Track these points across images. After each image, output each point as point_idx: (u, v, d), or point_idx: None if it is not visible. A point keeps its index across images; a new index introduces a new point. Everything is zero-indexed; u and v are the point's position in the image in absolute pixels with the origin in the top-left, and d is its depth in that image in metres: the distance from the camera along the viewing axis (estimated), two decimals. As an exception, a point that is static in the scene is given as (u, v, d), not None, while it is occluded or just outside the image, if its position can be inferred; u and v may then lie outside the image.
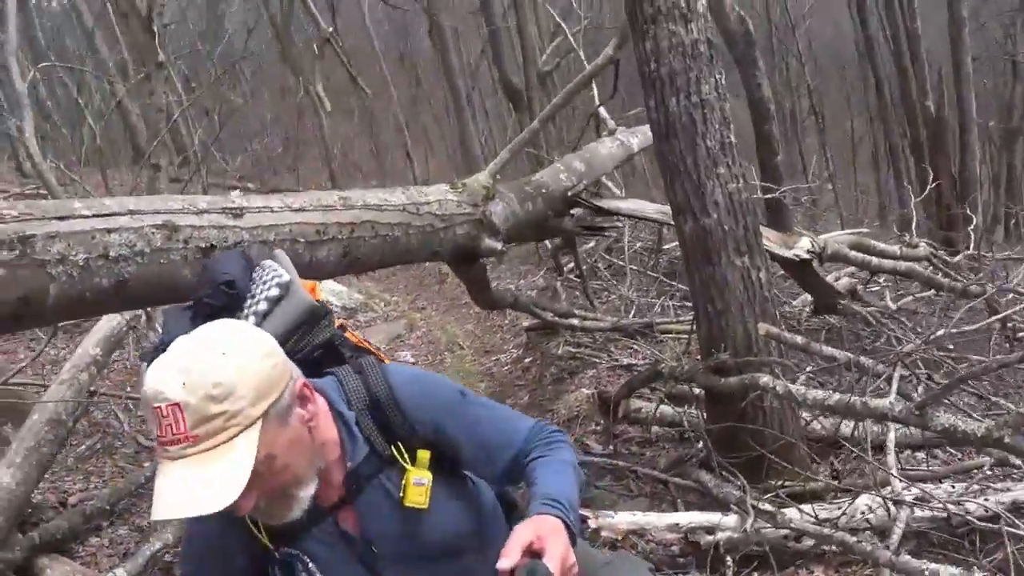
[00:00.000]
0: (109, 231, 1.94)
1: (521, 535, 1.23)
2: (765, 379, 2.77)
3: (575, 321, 5.29)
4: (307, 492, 1.29)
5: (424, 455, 1.39)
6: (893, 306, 5.26)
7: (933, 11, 14.65)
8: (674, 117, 3.10)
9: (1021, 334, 4.90)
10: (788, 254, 4.63)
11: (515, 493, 1.64)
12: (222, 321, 1.30)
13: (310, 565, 1.35)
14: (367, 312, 8.88)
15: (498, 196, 3.80)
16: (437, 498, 1.39)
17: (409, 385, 1.43)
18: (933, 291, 5.63)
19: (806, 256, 4.75)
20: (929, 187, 8.59)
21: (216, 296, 1.51)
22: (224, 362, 1.18)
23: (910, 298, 5.81)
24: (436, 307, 9.36)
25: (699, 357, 3.34)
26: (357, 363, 1.47)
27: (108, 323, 4.04)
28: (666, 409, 3.88)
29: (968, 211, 8.36)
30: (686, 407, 3.84)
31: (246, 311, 1.52)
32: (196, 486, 1.13)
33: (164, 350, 1.27)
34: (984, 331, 4.37)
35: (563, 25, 9.50)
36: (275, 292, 1.51)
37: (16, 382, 4.82)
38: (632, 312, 5.83)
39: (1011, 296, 5.04)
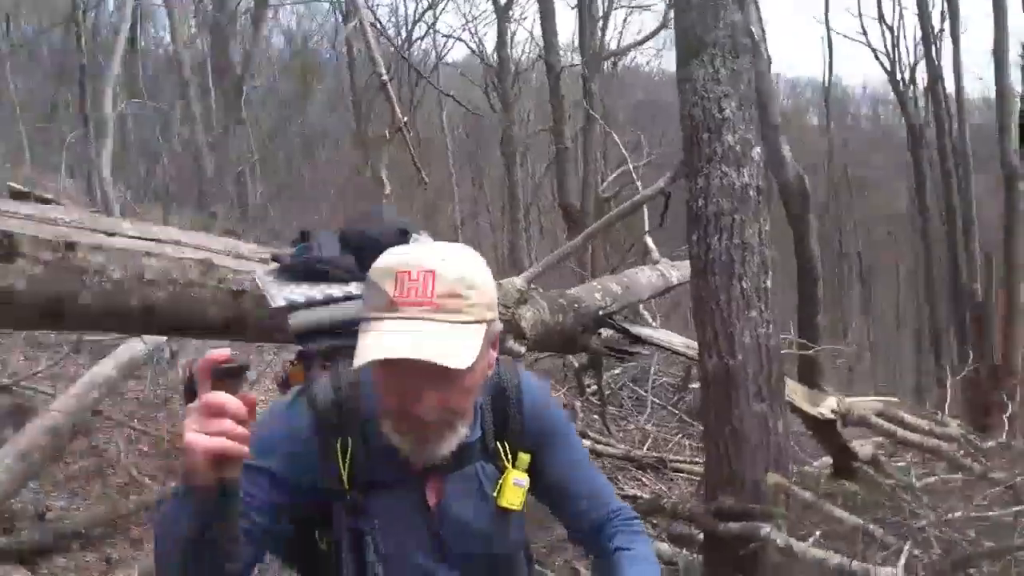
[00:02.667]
0: (150, 255, 2.03)
1: None
2: (766, 530, 2.69)
3: (587, 443, 5.23)
4: (463, 432, 1.28)
5: (525, 458, 1.38)
6: (917, 483, 5.10)
7: (990, 198, 14.79)
8: (715, 255, 3.16)
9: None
10: (812, 411, 4.57)
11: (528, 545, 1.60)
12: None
13: (375, 522, 1.30)
14: None
15: (530, 302, 3.85)
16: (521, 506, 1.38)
17: (536, 392, 1.43)
18: (960, 474, 5.47)
19: (830, 415, 4.69)
20: (967, 369, 8.46)
21: (387, 238, 1.48)
22: (471, 262, 1.22)
23: (935, 478, 5.64)
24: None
25: (705, 498, 3.28)
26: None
27: (130, 348, 4.11)
28: (663, 547, 3.77)
29: (1005, 399, 8.17)
30: (684, 549, 3.73)
31: None
32: (435, 341, 1.13)
33: (320, 261, 1.42)
34: (1009, 519, 4.20)
35: (627, 155, 9.82)
36: None
37: (28, 386, 4.89)
38: (647, 445, 5.74)
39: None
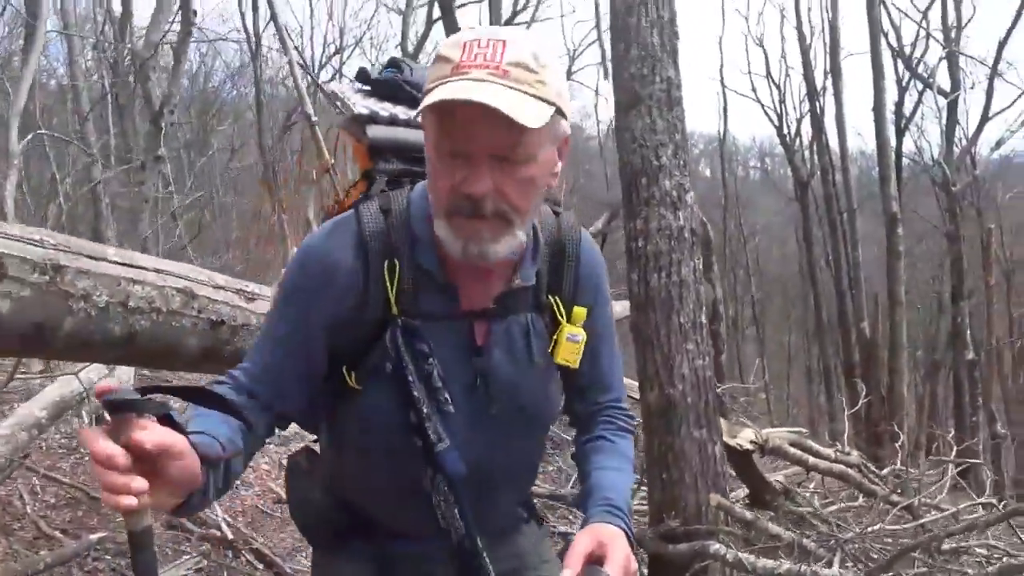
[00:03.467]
0: (134, 282, 2.03)
1: (582, 543, 1.19)
2: (716, 547, 2.89)
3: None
4: (520, 236, 1.19)
5: (581, 312, 1.31)
6: (823, 510, 5.47)
7: (871, 243, 16.00)
8: (654, 292, 3.39)
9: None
10: (732, 442, 4.83)
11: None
12: None
13: (430, 343, 1.23)
14: (299, 441, 8.73)
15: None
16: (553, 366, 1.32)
17: (591, 254, 1.37)
18: (861, 499, 5.89)
19: (748, 447, 4.98)
20: (861, 403, 9.08)
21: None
22: (547, 49, 1.14)
23: (835, 507, 6.05)
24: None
25: (647, 524, 3.45)
26: (556, 207, 1.38)
27: (59, 388, 3.97)
28: None
29: (896, 429, 8.81)
30: None
31: None
32: (505, 95, 1.06)
33: (409, 83, 1.43)
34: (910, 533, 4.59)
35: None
36: None
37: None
38: (571, 483, 5.89)
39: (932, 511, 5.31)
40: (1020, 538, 3.93)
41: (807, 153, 18.55)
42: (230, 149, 19.81)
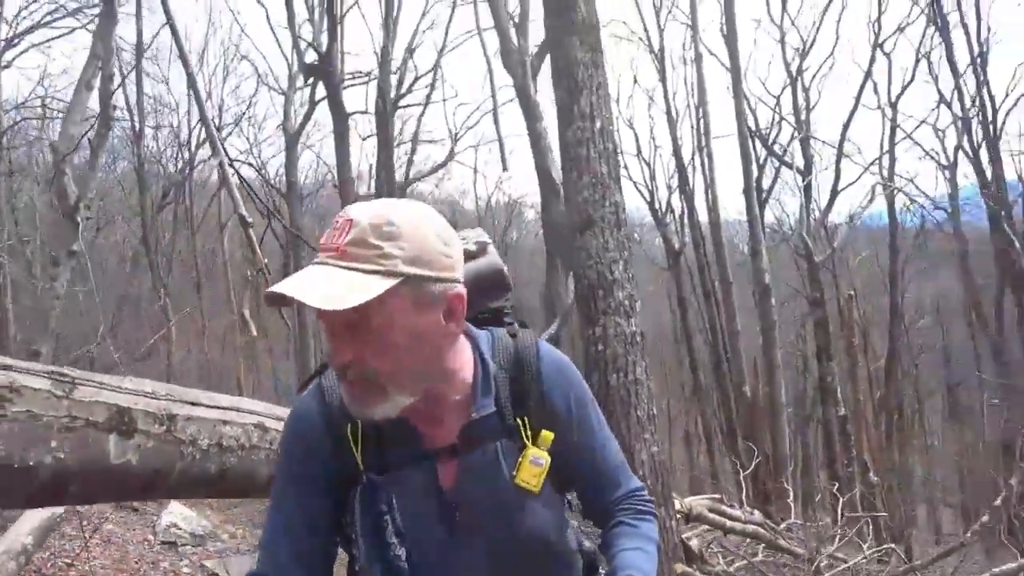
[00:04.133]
0: (225, 423, 2.33)
1: None
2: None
3: None
4: (399, 399, 1.24)
5: (548, 436, 1.33)
6: (728, 567, 6.14)
7: (740, 308, 17.42)
8: (613, 391, 3.93)
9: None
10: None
11: (595, 554, 1.56)
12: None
13: (393, 500, 1.30)
14: (216, 541, 8.61)
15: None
16: (545, 489, 1.34)
17: (557, 365, 1.40)
18: (760, 554, 6.61)
19: (677, 517, 5.56)
20: (755, 462, 9.94)
21: None
22: (406, 214, 1.21)
23: (740, 563, 6.73)
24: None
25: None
26: (514, 328, 1.45)
27: (40, 513, 4.00)
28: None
29: (785, 485, 9.71)
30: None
31: None
32: (320, 283, 1.15)
33: None
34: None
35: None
36: (472, 247, 1.55)
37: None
38: None
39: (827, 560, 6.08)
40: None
41: (677, 225, 20.07)
42: (95, 227, 19.17)
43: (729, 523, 6.31)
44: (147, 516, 7.71)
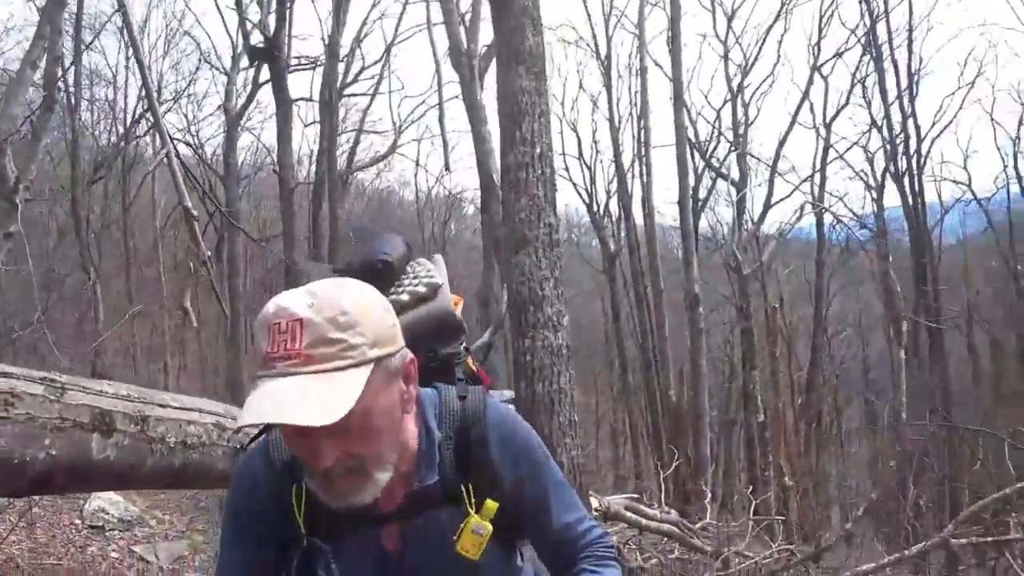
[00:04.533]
0: (190, 423, 2.65)
1: None
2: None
3: None
4: (382, 477, 1.24)
5: (491, 506, 1.35)
6: (646, 566, 6.65)
7: (670, 312, 18.10)
8: (540, 398, 4.31)
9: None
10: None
11: None
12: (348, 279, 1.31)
13: (332, 566, 1.32)
14: (143, 527, 8.73)
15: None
16: (489, 554, 1.36)
17: (504, 430, 1.40)
18: (676, 552, 7.11)
19: (595, 514, 5.99)
20: (676, 463, 10.47)
21: (366, 270, 1.54)
22: (352, 298, 1.19)
23: (654, 561, 7.23)
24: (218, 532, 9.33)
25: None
26: (464, 387, 1.44)
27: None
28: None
29: (704, 486, 10.28)
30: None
31: (389, 296, 1.50)
32: (302, 397, 1.11)
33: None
34: None
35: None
36: (422, 290, 1.56)
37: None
38: None
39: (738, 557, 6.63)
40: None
41: (614, 230, 20.67)
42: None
43: (645, 521, 6.76)
44: (74, 500, 7.80)
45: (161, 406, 2.55)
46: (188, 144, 20.44)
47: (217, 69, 19.37)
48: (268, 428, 1.39)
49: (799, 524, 13.19)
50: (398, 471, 1.29)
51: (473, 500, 1.34)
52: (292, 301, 1.16)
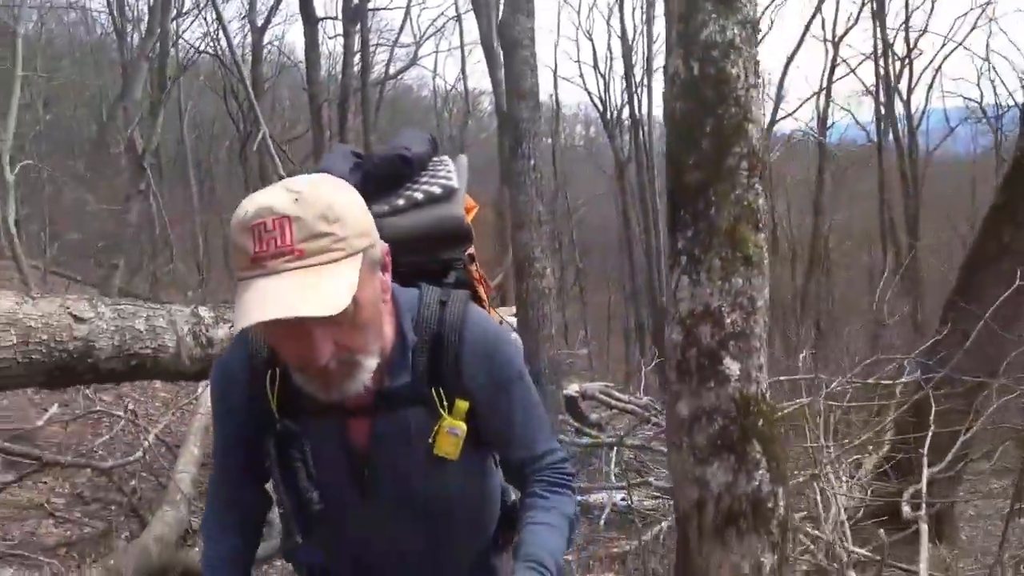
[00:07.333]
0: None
1: None
2: (562, 437, 7.12)
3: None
4: (370, 365, 1.34)
5: (462, 406, 1.45)
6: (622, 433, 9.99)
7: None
8: (529, 295, 7.45)
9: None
10: (565, 392, 9.15)
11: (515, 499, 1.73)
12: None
13: (306, 448, 1.44)
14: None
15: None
16: (465, 454, 1.48)
17: (479, 346, 1.48)
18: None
19: (574, 394, 9.32)
20: (655, 361, 13.65)
21: (384, 163, 1.67)
22: (335, 192, 1.28)
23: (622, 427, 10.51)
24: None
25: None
26: (447, 291, 1.52)
27: None
28: None
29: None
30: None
31: (402, 191, 1.67)
32: (303, 292, 1.19)
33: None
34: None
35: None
36: (437, 191, 1.66)
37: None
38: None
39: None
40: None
41: (623, 142, 23.15)
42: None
43: (613, 402, 10.04)
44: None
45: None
46: (209, 54, 22.33)
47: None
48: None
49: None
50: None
51: (445, 403, 1.46)
52: (274, 199, 1.23)
